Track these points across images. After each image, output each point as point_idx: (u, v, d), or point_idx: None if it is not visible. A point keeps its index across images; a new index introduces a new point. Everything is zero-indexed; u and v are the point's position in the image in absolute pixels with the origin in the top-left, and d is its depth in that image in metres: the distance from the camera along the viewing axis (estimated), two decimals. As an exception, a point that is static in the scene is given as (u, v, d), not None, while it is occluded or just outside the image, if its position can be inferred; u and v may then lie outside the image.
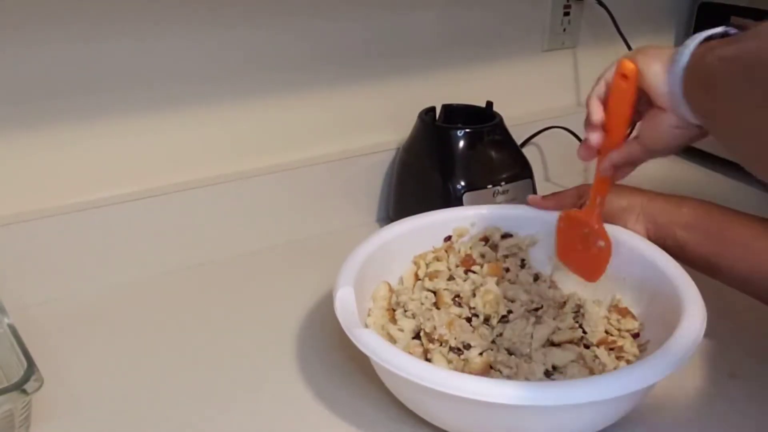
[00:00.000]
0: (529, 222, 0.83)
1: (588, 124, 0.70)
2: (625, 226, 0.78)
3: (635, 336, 0.73)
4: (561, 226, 0.79)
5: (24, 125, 0.80)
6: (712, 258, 0.73)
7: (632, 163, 0.71)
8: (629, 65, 0.65)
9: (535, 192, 0.98)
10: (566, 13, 1.13)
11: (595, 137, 0.69)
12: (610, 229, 0.76)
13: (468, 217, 0.84)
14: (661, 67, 0.63)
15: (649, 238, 0.77)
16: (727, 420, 0.69)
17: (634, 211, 0.78)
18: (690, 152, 1.27)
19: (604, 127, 0.69)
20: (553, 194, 0.84)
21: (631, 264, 0.75)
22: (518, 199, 0.94)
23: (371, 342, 0.63)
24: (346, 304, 0.68)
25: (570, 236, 0.78)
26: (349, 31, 0.96)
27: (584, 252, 0.77)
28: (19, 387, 0.60)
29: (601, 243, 0.75)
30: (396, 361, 0.61)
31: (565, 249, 0.79)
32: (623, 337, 0.73)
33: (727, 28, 0.60)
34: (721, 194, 0.82)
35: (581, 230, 0.76)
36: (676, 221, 0.76)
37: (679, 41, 1.27)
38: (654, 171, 0.84)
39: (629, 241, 0.76)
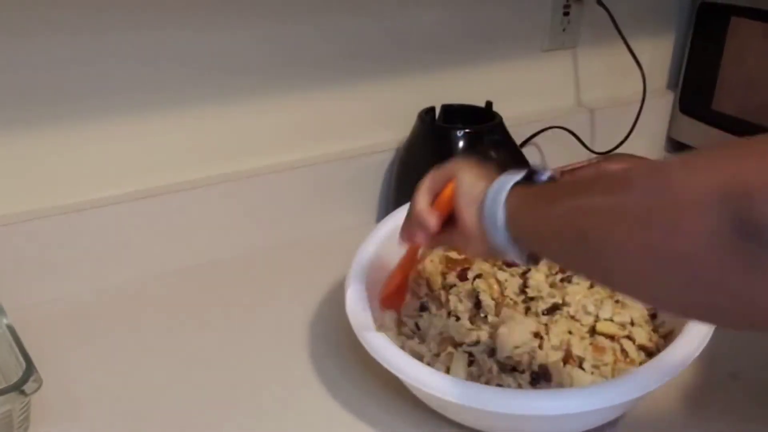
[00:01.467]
0: None
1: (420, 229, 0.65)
2: None
3: (653, 317, 0.74)
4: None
5: (24, 126, 0.80)
6: None
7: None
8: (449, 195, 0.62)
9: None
10: (566, 13, 1.13)
11: (422, 238, 0.66)
12: None
13: None
14: (475, 213, 0.58)
15: None
16: (727, 421, 0.69)
17: None
18: (687, 150, 1.27)
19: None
20: (571, 172, 0.83)
21: None
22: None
23: (380, 347, 0.64)
24: (356, 303, 0.69)
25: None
26: (349, 31, 0.96)
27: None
28: (17, 388, 0.59)
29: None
30: (405, 368, 0.62)
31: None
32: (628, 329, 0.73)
33: (535, 173, 0.57)
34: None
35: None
36: None
37: (680, 42, 1.28)
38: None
39: None
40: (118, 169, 0.87)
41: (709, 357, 0.75)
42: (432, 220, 0.63)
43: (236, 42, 0.89)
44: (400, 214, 0.81)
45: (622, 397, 0.60)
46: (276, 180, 0.96)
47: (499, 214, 0.55)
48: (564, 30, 1.14)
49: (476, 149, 0.96)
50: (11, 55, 0.77)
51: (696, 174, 0.40)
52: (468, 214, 0.59)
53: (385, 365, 0.63)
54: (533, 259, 0.58)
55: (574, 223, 0.48)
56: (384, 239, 0.78)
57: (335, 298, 0.86)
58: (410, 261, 0.74)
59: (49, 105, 0.81)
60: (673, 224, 0.40)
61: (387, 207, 1.05)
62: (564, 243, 0.50)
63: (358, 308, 0.68)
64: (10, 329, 0.67)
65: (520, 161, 0.99)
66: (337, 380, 0.73)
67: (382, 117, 1.03)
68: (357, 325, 0.67)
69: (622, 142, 1.14)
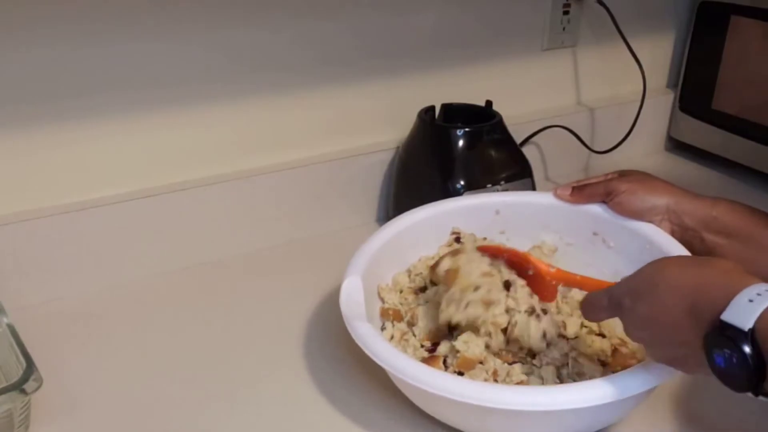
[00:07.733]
0: (554, 212, 0.80)
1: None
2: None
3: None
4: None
5: (24, 125, 0.80)
6: (743, 263, 0.73)
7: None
8: None
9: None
10: (566, 12, 1.13)
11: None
12: (634, 224, 0.77)
13: (492, 204, 0.80)
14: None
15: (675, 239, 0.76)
16: (726, 422, 0.69)
17: (659, 211, 0.77)
18: (687, 149, 1.27)
19: None
20: (581, 189, 0.82)
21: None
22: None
23: (367, 336, 0.63)
24: (351, 294, 0.68)
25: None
26: (349, 30, 0.96)
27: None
28: (18, 387, 0.60)
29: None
30: (389, 358, 0.61)
31: None
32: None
33: None
34: (715, 192, 0.82)
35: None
36: (706, 225, 0.75)
37: (679, 41, 1.28)
38: (649, 167, 0.84)
39: (650, 235, 0.76)
40: (118, 169, 0.87)
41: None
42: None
43: (236, 43, 0.89)
44: (406, 218, 0.81)
45: (637, 388, 0.58)
46: (276, 180, 0.96)
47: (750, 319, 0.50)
48: (564, 29, 1.14)
49: (476, 148, 0.96)
50: (10, 54, 0.77)
51: None
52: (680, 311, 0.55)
53: (370, 354, 0.62)
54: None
55: None
56: (393, 235, 0.78)
57: (335, 298, 0.86)
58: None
59: (49, 105, 0.81)
60: None
61: (387, 206, 1.05)
62: None
63: (351, 299, 0.68)
64: (11, 329, 0.67)
65: (519, 160, 0.99)
66: (337, 380, 0.74)
67: (381, 116, 1.03)
68: (348, 314, 0.66)
69: (621, 141, 1.14)
